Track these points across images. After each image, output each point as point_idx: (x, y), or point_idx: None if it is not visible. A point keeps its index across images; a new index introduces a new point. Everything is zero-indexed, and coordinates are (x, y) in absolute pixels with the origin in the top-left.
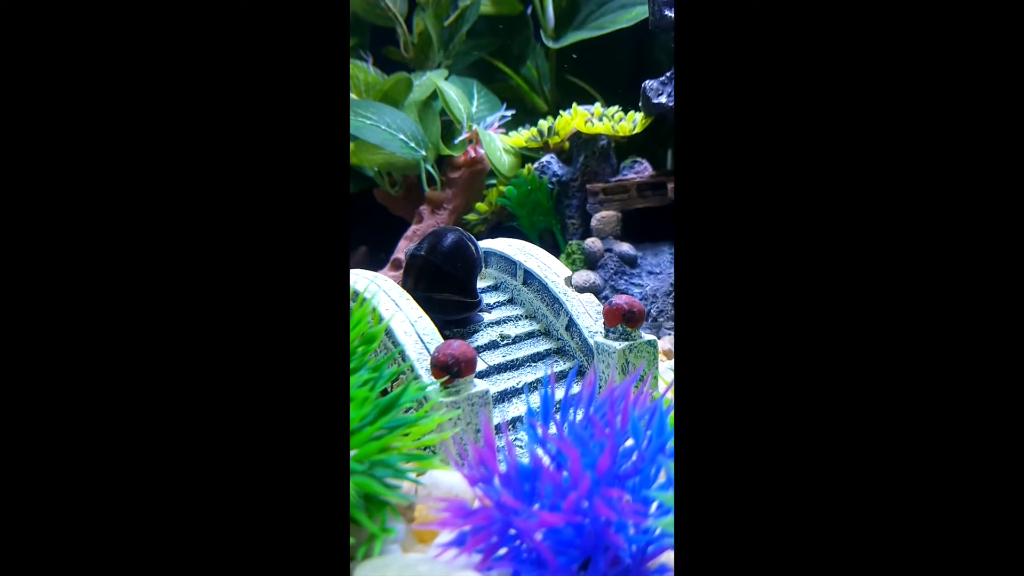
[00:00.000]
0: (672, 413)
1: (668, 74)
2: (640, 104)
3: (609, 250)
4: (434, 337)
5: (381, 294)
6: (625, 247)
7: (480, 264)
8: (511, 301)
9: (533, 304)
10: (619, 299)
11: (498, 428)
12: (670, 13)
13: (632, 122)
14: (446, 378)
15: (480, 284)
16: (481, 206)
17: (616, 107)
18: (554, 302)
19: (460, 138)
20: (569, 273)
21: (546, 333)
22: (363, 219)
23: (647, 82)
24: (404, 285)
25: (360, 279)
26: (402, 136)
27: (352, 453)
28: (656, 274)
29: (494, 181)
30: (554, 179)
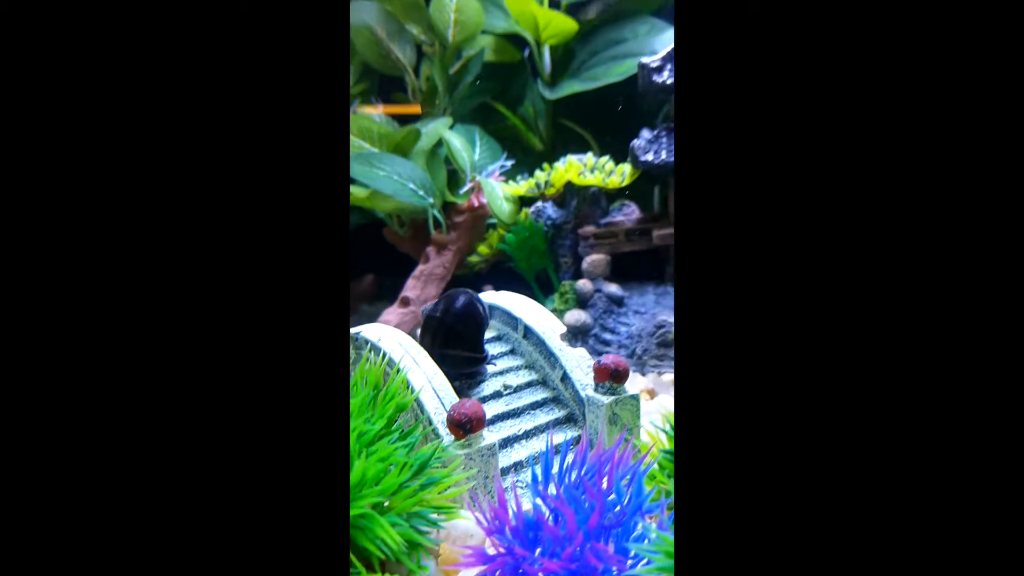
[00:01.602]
0: (649, 472)
1: (655, 132)
2: (628, 159)
3: (599, 290)
4: (448, 392)
5: (399, 351)
6: (613, 288)
7: (487, 322)
8: (512, 352)
9: (532, 356)
10: (607, 359)
11: (504, 471)
12: (658, 79)
13: (621, 175)
14: (461, 434)
15: (487, 333)
16: (483, 249)
17: (607, 157)
18: (550, 356)
19: (465, 189)
20: (564, 329)
21: (543, 383)
22: (371, 249)
23: (635, 141)
24: (422, 342)
25: (384, 335)
26: (412, 185)
27: (391, 506)
28: (641, 314)
29: (493, 221)
30: (549, 222)
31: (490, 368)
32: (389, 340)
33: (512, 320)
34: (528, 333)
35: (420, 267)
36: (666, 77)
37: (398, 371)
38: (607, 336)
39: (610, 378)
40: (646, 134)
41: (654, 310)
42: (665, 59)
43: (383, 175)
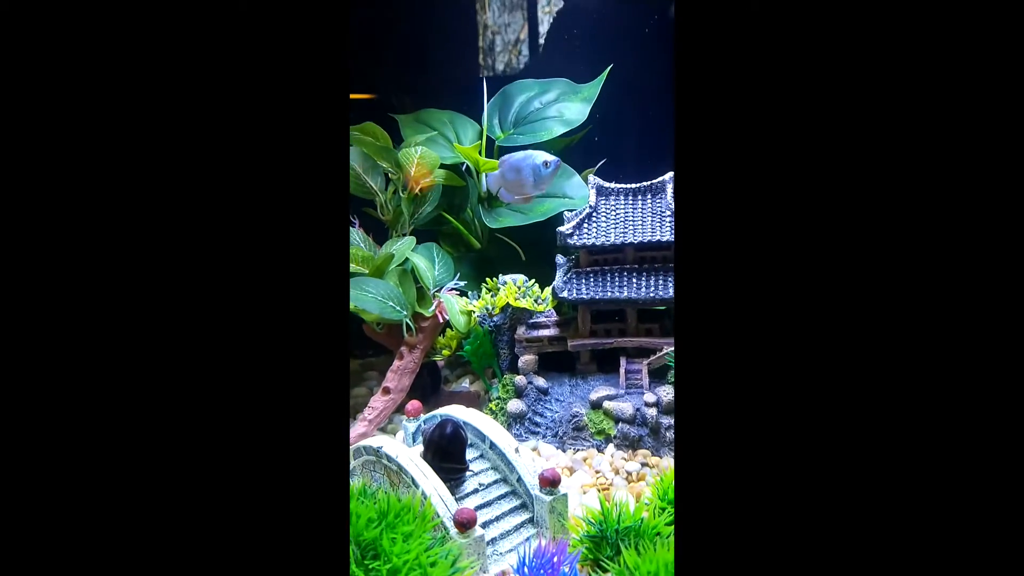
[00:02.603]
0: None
1: (567, 275)
2: (551, 289)
3: (530, 383)
4: (448, 497)
5: (412, 465)
6: (540, 381)
7: (467, 440)
8: (482, 456)
9: (495, 461)
10: (547, 472)
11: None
12: (571, 241)
13: (544, 300)
14: (464, 531)
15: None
16: (446, 351)
17: (535, 282)
18: (508, 464)
19: (432, 308)
20: (517, 444)
21: (504, 480)
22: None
23: (555, 283)
24: (424, 457)
25: (401, 453)
26: (391, 303)
27: None
28: (561, 401)
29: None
30: (491, 324)
31: (467, 473)
32: (404, 457)
33: (480, 434)
34: (492, 446)
35: (397, 363)
36: (575, 240)
37: (424, 496)
38: (537, 419)
39: (549, 485)
40: (560, 261)
41: (570, 399)
42: (575, 227)
43: (370, 296)
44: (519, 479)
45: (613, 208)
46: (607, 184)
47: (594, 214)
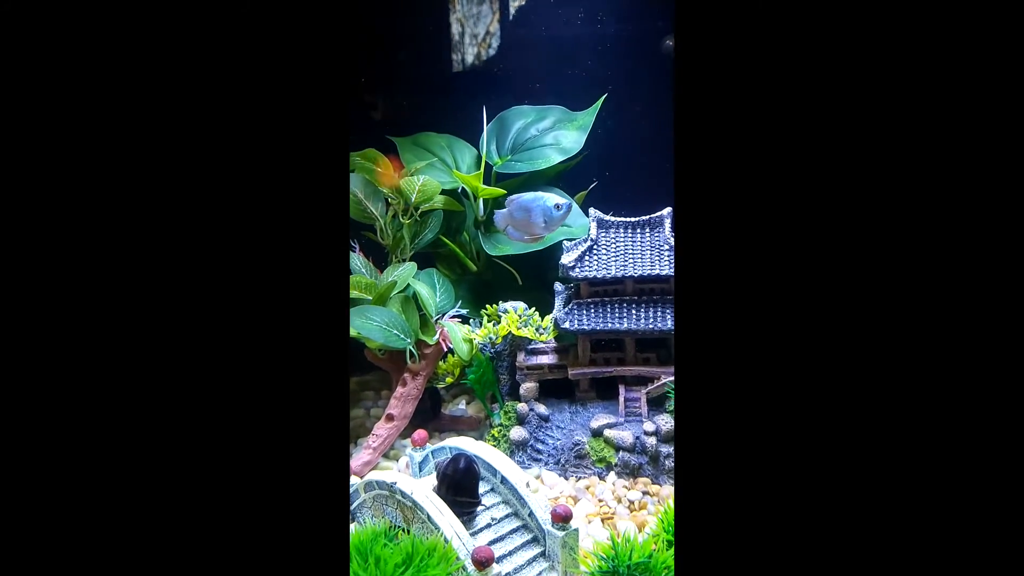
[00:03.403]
0: None
1: (569, 307)
2: (552, 319)
3: (532, 410)
4: (465, 535)
5: (427, 502)
6: (541, 408)
7: (479, 475)
8: (492, 490)
9: (507, 495)
10: (559, 508)
11: None
12: (572, 273)
13: (546, 329)
14: (482, 569)
15: None
16: (449, 379)
17: (535, 311)
18: (520, 498)
19: (436, 337)
20: (528, 478)
21: (516, 514)
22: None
23: (557, 314)
24: (438, 492)
25: (416, 488)
26: (396, 331)
27: None
28: (562, 428)
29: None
30: (492, 351)
31: (480, 507)
32: (419, 494)
33: (491, 468)
34: (504, 481)
35: (400, 390)
36: (578, 272)
37: (446, 541)
38: (539, 447)
39: (561, 520)
40: (559, 289)
41: (571, 427)
42: (576, 259)
43: (374, 325)
44: (530, 513)
45: (613, 241)
46: (607, 217)
47: (595, 247)
